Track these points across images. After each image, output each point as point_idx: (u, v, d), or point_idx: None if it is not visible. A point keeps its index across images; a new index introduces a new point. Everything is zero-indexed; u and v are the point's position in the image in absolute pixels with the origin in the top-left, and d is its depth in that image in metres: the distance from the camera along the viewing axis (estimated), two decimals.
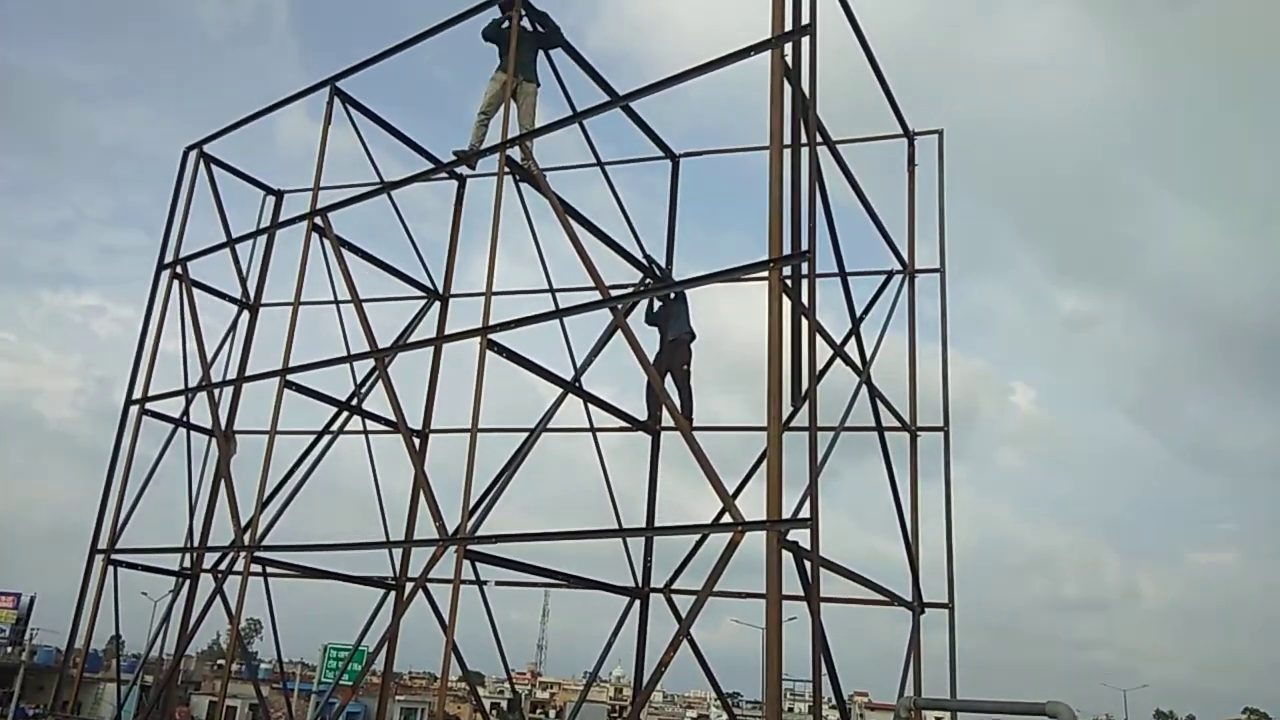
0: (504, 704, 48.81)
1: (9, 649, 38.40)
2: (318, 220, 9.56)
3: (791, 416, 6.49)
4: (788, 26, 6.55)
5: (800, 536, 5.68)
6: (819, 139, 6.64)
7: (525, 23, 8.68)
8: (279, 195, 12.41)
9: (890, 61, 8.50)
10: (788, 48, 6.55)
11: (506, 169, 8.06)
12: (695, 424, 8.83)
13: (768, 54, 6.59)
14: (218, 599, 9.53)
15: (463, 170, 10.42)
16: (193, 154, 11.59)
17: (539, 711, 60.20)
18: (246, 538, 9.02)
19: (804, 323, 6.47)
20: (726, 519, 6.26)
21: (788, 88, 6.53)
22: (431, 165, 10.31)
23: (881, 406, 7.97)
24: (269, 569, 9.31)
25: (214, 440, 10.74)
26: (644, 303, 9.51)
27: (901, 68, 8.76)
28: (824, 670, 5.76)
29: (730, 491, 6.46)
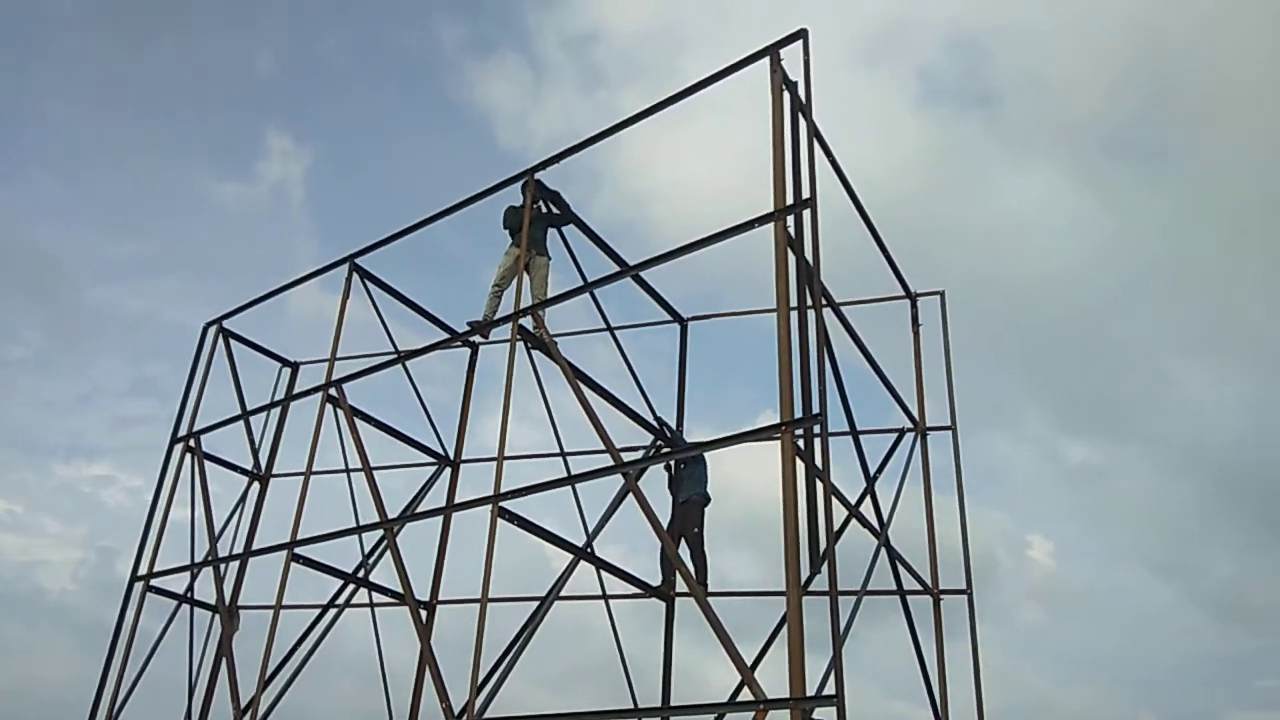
0: None
1: None
2: (332, 391, 9.68)
3: (809, 580, 6.33)
4: (789, 200, 6.82)
5: (827, 714, 5.42)
6: (824, 303, 6.80)
7: (539, 204, 9.08)
8: (295, 367, 12.63)
9: (887, 226, 8.81)
10: (790, 219, 6.79)
11: (519, 337, 8.23)
12: (710, 589, 8.61)
13: (771, 225, 6.84)
14: None
15: (476, 338, 10.64)
16: (212, 330, 11.88)
17: None
18: (247, 719, 8.65)
19: (818, 485, 6.42)
20: (746, 695, 5.99)
21: (791, 255, 6.74)
22: (445, 334, 10.52)
23: (902, 569, 7.79)
24: None
25: (217, 616, 10.48)
26: (663, 470, 9.48)
27: (898, 232, 9.07)
28: None
29: (749, 661, 6.23)
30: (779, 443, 6.19)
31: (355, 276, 10.27)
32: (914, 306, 9.64)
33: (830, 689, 5.39)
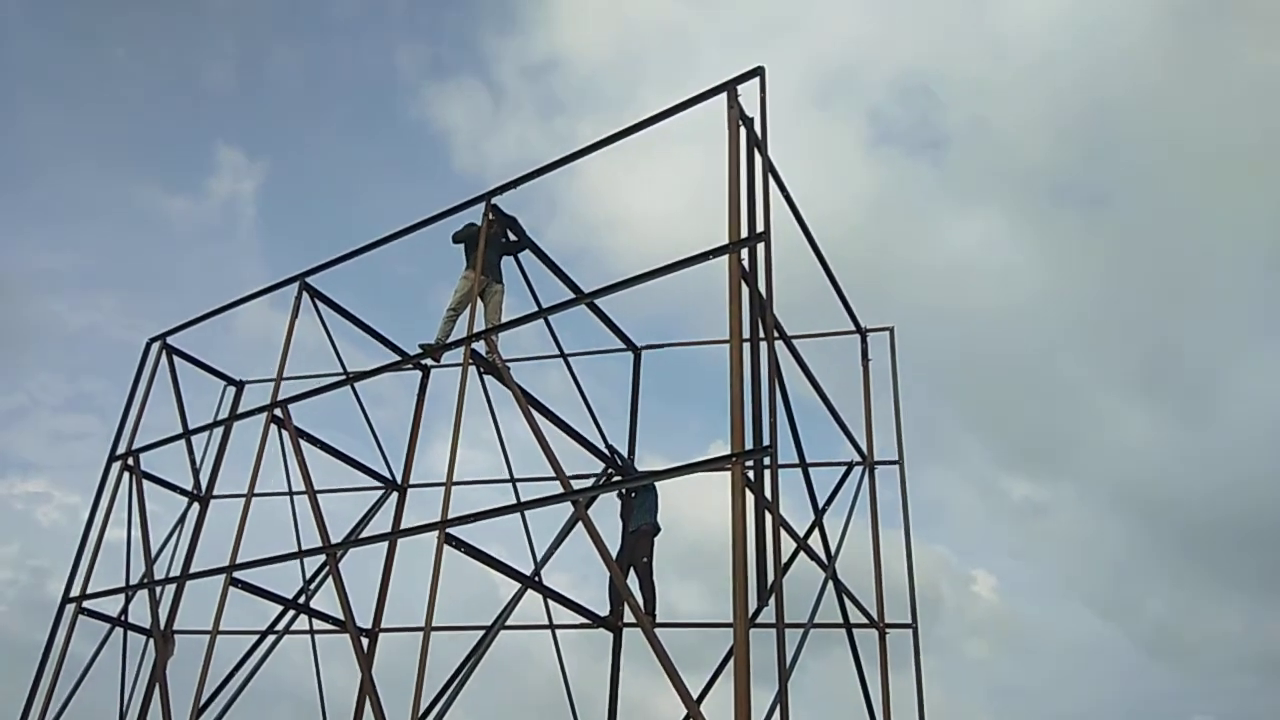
0: None
1: None
2: (278, 412, 9.51)
3: (757, 613, 6.33)
4: (744, 233, 6.90)
5: None
6: (776, 335, 6.87)
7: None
8: (240, 385, 12.39)
9: (836, 262, 8.94)
10: (744, 252, 6.87)
11: (471, 361, 8.17)
12: (658, 620, 8.58)
13: (725, 256, 6.91)
14: None
15: (427, 362, 10.57)
16: (155, 346, 11.62)
17: None
18: None
19: (767, 516, 6.45)
20: None
21: (745, 287, 6.81)
22: (396, 356, 10.43)
23: (848, 602, 7.84)
24: None
25: (151, 641, 10.16)
26: (614, 499, 9.44)
27: (846, 268, 9.23)
28: None
29: (696, 693, 6.21)
30: (729, 474, 6.21)
31: (305, 296, 10.14)
32: (864, 341, 9.78)
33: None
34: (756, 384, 6.57)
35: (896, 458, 9.17)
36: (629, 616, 9.10)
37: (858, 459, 9.12)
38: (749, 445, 6.27)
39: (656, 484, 8.92)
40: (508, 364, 8.53)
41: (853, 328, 9.72)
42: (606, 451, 9.67)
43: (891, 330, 9.73)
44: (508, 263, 9.33)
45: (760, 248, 6.85)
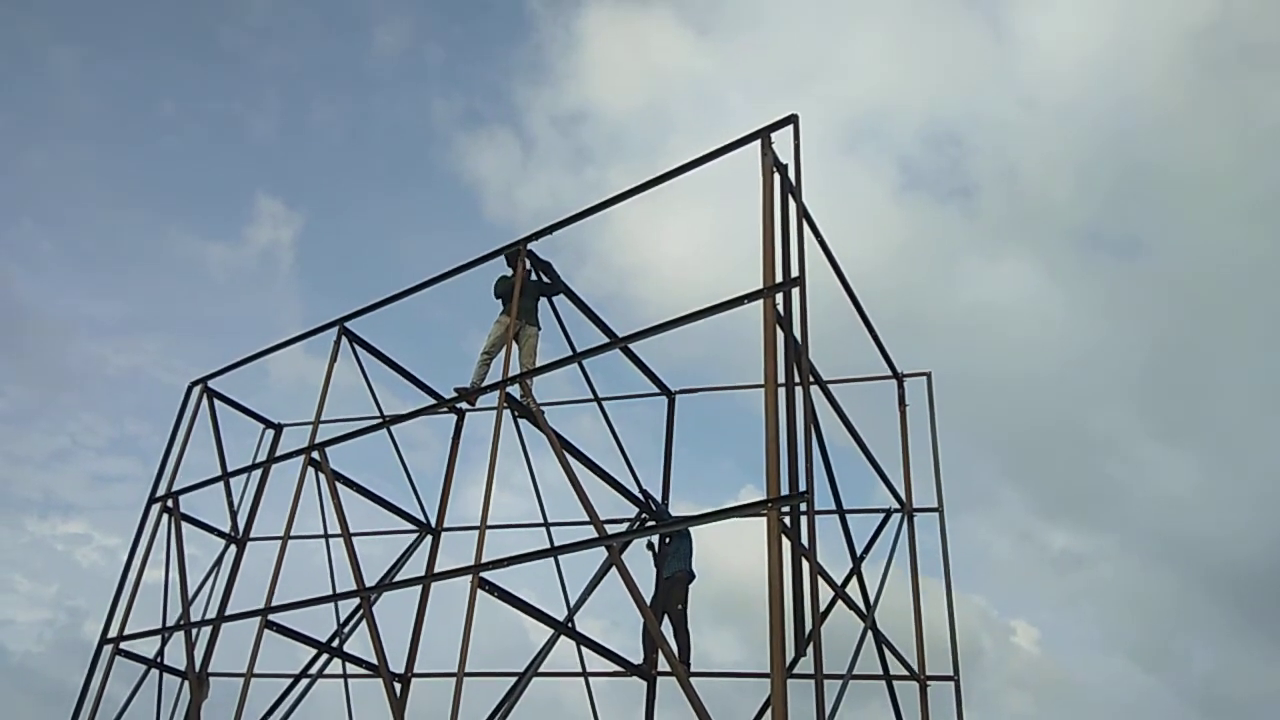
0: None
1: None
2: (315, 455, 9.60)
3: (794, 663, 6.22)
4: (778, 278, 6.90)
5: None
6: (811, 380, 6.83)
7: (530, 273, 9.17)
8: (278, 429, 12.53)
9: (869, 308, 8.90)
10: (779, 296, 6.87)
11: (506, 405, 8.21)
12: (693, 669, 8.45)
13: (760, 301, 6.91)
14: None
15: (462, 405, 10.63)
16: (197, 389, 11.81)
17: None
18: None
19: (804, 563, 6.36)
20: None
21: (780, 332, 6.80)
22: (431, 400, 10.50)
23: (888, 653, 7.68)
24: None
25: (187, 683, 10.19)
26: (645, 545, 9.37)
27: (878, 316, 9.22)
28: None
29: None
30: (764, 520, 6.15)
31: (344, 340, 10.28)
32: (901, 386, 9.69)
33: None
34: (792, 429, 6.52)
35: (936, 505, 9.03)
36: (663, 664, 8.98)
37: (896, 506, 8.99)
38: (785, 491, 6.21)
39: (691, 530, 8.85)
40: (542, 408, 8.56)
41: (889, 373, 9.64)
42: (640, 496, 9.62)
43: (929, 375, 9.63)
44: (543, 309, 9.41)
45: (795, 292, 6.85)
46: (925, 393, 9.54)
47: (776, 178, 7.30)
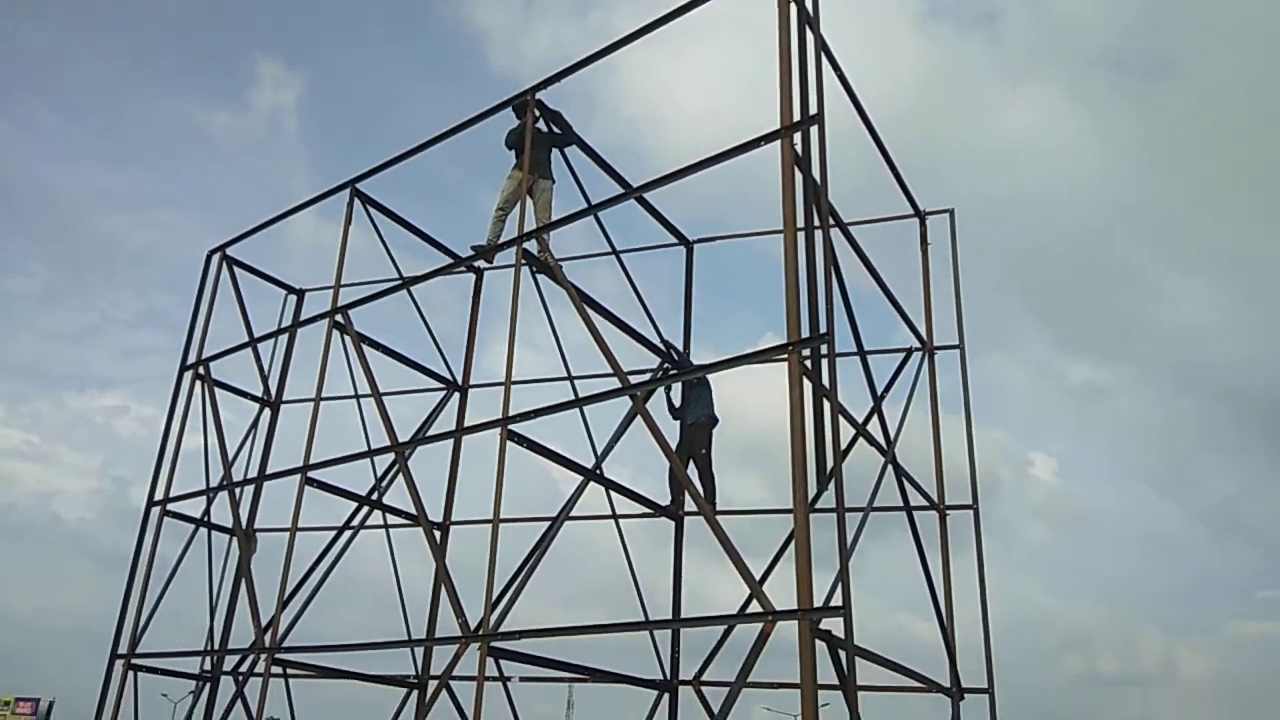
0: None
1: None
2: (338, 318, 9.69)
3: (817, 498, 6.42)
4: (795, 117, 6.69)
5: (833, 624, 5.55)
6: (831, 222, 6.73)
7: (540, 124, 8.94)
8: (300, 294, 12.61)
9: (890, 145, 8.65)
10: (797, 136, 6.68)
11: (523, 261, 8.18)
12: (718, 509, 8.74)
13: (778, 142, 6.72)
14: (238, 703, 9.34)
15: (480, 264, 10.62)
16: (215, 257, 11.83)
17: None
18: (267, 639, 8.89)
19: (825, 404, 6.45)
20: (755, 608, 6.14)
21: (798, 174, 6.65)
22: (449, 259, 10.48)
23: (908, 485, 7.88)
24: (289, 670, 9.14)
25: (234, 540, 10.69)
26: (662, 392, 9.49)
27: (900, 152, 8.95)
28: None
29: (756, 576, 6.36)
30: (785, 364, 6.20)
31: (356, 202, 10.18)
32: (923, 225, 9.53)
33: (837, 600, 5.50)
34: (812, 272, 6.48)
35: (957, 342, 9.04)
36: (689, 506, 9.29)
37: (917, 345, 9.01)
38: (805, 334, 6.23)
39: (710, 377, 8.95)
40: (560, 263, 8.53)
41: (910, 212, 9.48)
42: (662, 347, 9.70)
43: (951, 212, 9.45)
44: (556, 162, 9.22)
45: (814, 131, 6.65)
46: (948, 230, 9.41)
47: (793, 8, 6.96)
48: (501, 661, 7.23)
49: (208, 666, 10.72)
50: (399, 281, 9.68)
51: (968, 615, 8.17)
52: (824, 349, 6.27)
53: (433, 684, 9.03)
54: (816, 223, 6.63)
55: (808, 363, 6.26)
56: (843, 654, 5.56)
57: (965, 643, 8.13)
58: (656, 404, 9.41)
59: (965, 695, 7.92)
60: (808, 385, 6.20)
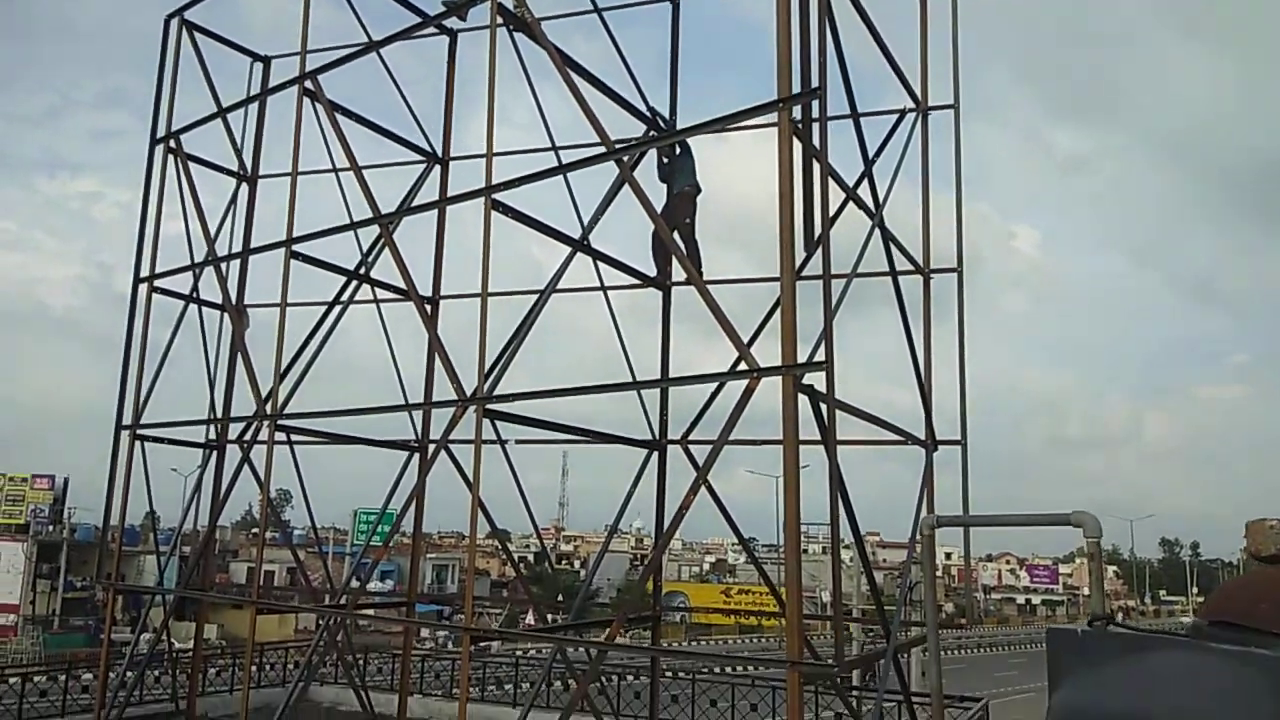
0: (531, 558, 50.94)
1: (50, 528, 40.01)
2: (308, 84, 9.27)
3: (804, 264, 6.43)
4: None
5: (815, 380, 5.73)
6: None
7: None
8: (266, 61, 11.98)
9: None
10: None
11: (499, 19, 7.72)
12: (705, 278, 8.77)
13: None
14: (245, 468, 9.75)
15: (453, 24, 10.02)
16: (174, 21, 11.12)
17: (564, 562, 62.83)
18: (268, 407, 9.18)
19: (815, 166, 6.32)
20: (742, 366, 6.31)
21: None
22: (419, 19, 9.88)
23: (895, 250, 7.88)
24: (293, 436, 9.51)
25: (226, 315, 10.77)
26: (653, 158, 9.27)
27: None
28: (841, 510, 5.92)
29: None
30: (774, 130, 6.01)
31: None
32: None
33: (820, 357, 5.65)
34: (805, 25, 6.15)
35: (951, 102, 8.75)
36: (677, 275, 9.33)
37: (910, 106, 8.72)
38: (797, 90, 6.00)
39: (694, 151, 8.73)
40: (539, 20, 8.05)
41: None
42: (647, 113, 9.38)
43: None
44: None
45: None
46: None
47: None
48: (497, 425, 7.51)
49: (213, 436, 11.09)
50: (367, 44, 9.18)
51: (945, 381, 8.45)
52: (815, 107, 6.06)
53: (432, 447, 9.41)
54: None
55: (798, 124, 6.07)
56: (824, 407, 5.78)
57: (941, 406, 8.45)
58: (643, 172, 9.22)
59: (939, 446, 8.31)
60: (798, 146, 6.05)
